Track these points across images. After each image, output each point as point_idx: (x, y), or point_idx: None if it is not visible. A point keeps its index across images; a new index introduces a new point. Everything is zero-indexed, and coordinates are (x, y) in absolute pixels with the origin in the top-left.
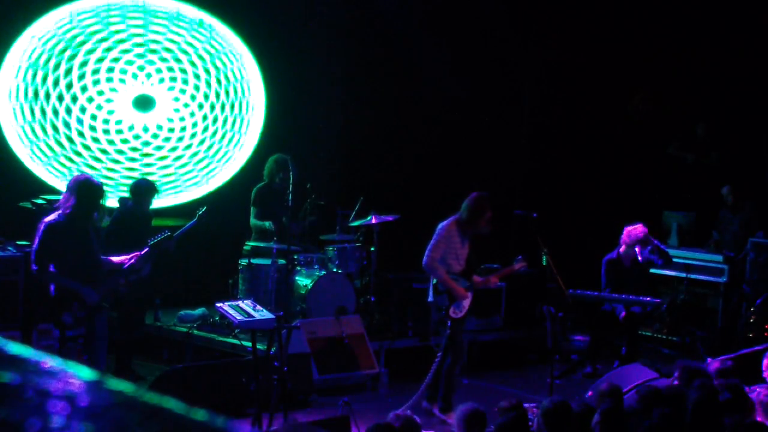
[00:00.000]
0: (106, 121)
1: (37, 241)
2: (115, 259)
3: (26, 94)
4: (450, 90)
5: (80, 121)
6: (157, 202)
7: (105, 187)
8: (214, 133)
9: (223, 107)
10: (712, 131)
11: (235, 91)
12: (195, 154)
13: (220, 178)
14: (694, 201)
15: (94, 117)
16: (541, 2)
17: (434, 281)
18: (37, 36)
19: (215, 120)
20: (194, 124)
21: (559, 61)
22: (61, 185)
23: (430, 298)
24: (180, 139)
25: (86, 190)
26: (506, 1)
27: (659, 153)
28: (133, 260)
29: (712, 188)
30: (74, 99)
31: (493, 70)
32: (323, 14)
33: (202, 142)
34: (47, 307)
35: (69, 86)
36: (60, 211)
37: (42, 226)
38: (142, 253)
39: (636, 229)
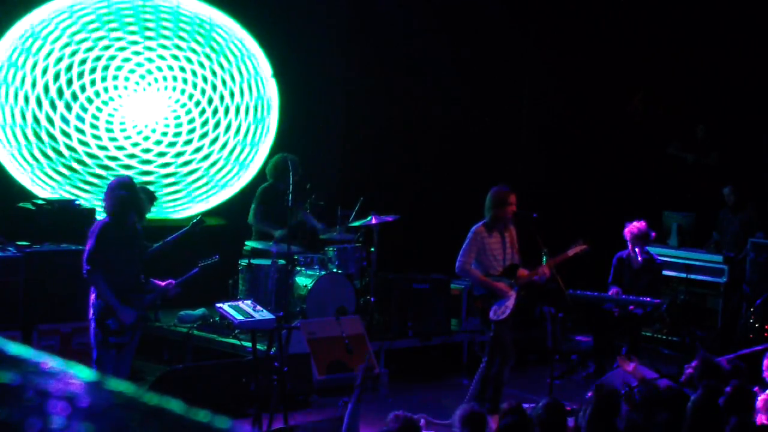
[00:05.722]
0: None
1: (91, 241)
2: (161, 282)
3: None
4: (450, 90)
5: (95, 117)
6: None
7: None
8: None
9: (246, 113)
10: (711, 131)
11: (262, 109)
12: (219, 159)
13: (242, 181)
14: (694, 201)
15: (110, 118)
16: (541, 2)
17: (469, 286)
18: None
19: (237, 129)
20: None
21: (559, 61)
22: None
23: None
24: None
25: (119, 192)
26: (507, 2)
27: (659, 153)
28: (181, 281)
29: (712, 188)
30: (90, 101)
31: (493, 69)
32: (324, 15)
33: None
34: (92, 306)
35: (81, 85)
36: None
37: (97, 226)
38: (191, 273)
39: (632, 226)
